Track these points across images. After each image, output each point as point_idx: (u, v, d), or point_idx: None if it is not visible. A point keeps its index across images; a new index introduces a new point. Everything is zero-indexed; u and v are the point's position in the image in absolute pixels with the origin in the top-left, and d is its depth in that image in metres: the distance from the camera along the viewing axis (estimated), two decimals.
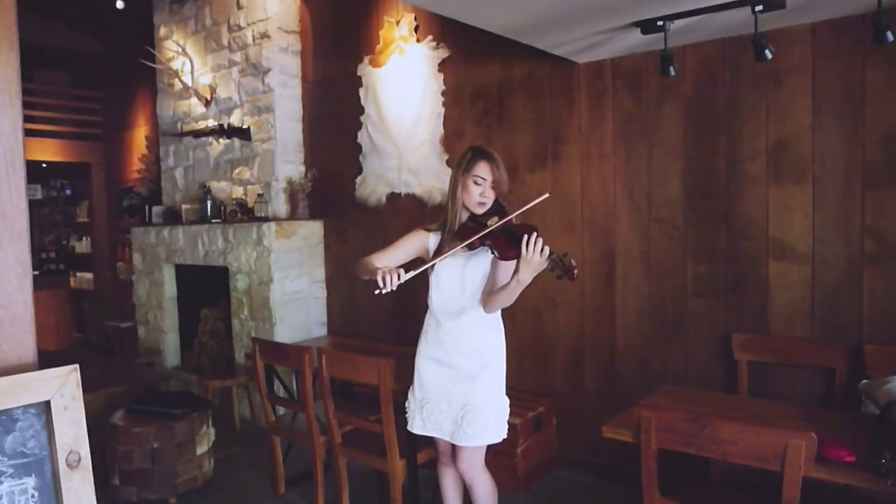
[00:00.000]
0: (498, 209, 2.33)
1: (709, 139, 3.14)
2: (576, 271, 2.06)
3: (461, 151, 2.45)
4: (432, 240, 2.45)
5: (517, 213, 2.28)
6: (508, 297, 2.23)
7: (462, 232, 2.32)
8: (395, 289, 2.09)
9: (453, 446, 2.48)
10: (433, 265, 2.36)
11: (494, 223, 2.24)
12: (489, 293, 2.34)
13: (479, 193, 2.32)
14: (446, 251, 2.30)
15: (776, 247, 2.98)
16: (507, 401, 2.46)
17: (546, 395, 3.70)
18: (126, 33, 6.77)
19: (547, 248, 2.07)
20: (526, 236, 2.07)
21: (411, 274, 2.16)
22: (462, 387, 2.37)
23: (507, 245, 2.19)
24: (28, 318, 1.32)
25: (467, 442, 2.36)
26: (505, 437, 2.43)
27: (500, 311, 2.42)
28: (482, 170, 2.32)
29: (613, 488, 3.38)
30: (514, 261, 2.15)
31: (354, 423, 3.08)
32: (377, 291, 2.09)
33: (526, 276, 2.11)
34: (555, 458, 3.67)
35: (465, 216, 2.38)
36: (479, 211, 2.34)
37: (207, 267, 5.17)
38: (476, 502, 2.48)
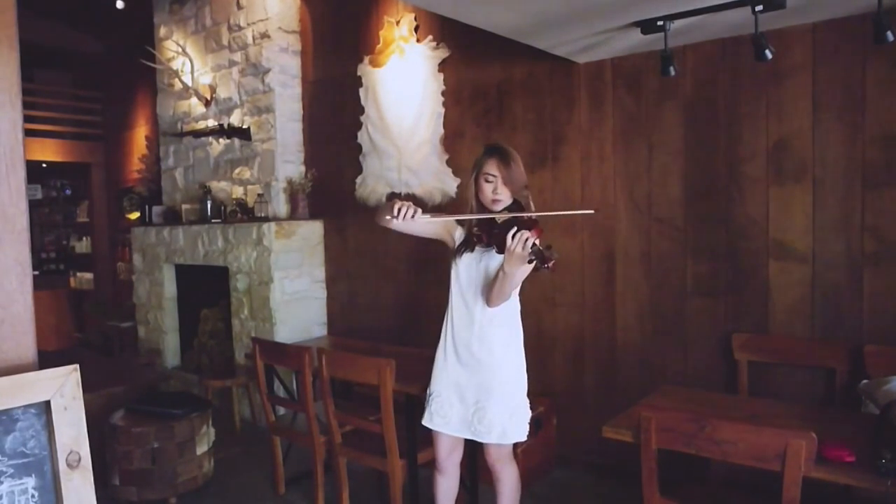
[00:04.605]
0: (514, 207, 2.34)
1: (709, 139, 3.14)
2: (552, 262, 2.01)
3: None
4: (458, 233, 2.50)
5: (525, 214, 2.28)
6: (498, 290, 2.26)
7: (477, 228, 2.37)
8: (403, 220, 2.17)
9: (466, 447, 2.48)
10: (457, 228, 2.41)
11: (503, 220, 2.28)
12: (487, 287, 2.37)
13: (492, 191, 2.33)
14: (464, 248, 2.40)
15: (776, 247, 2.98)
16: (528, 402, 2.45)
17: (546, 395, 3.69)
18: (126, 33, 6.77)
19: (531, 241, 2.05)
20: (514, 228, 2.08)
21: (427, 217, 2.26)
22: (476, 382, 2.39)
23: (503, 239, 2.20)
24: (28, 318, 1.32)
25: (484, 439, 2.39)
26: (524, 438, 2.43)
27: (517, 310, 2.44)
28: (490, 167, 2.34)
29: (613, 488, 3.38)
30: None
31: (354, 423, 3.09)
32: (388, 218, 2.19)
33: (509, 268, 2.15)
34: (555, 458, 3.67)
35: (484, 213, 2.41)
36: (496, 208, 2.35)
37: (207, 267, 5.17)
38: (500, 495, 2.51)
